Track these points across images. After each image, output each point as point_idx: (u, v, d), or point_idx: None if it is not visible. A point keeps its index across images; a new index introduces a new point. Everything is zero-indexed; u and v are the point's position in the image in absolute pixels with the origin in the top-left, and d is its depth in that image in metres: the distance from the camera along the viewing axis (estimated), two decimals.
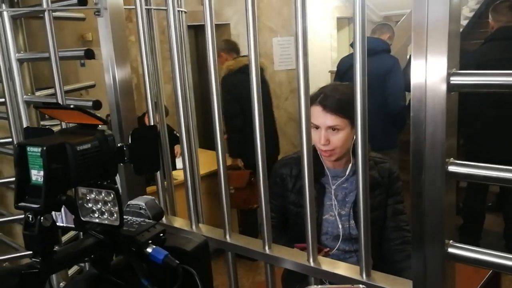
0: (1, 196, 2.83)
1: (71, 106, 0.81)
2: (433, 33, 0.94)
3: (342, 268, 1.30)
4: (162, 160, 1.81)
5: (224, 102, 4.31)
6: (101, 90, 1.70)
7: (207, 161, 3.44)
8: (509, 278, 3.14)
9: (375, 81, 3.62)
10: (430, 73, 0.96)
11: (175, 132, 3.13)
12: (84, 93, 4.02)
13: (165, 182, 1.81)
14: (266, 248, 1.42)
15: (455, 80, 0.95)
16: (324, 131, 1.70)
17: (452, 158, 1.00)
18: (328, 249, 1.77)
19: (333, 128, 1.70)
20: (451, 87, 0.95)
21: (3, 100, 2.00)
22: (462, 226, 4.09)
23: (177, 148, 3.28)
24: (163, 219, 1.72)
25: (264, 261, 1.44)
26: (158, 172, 1.73)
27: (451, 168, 0.99)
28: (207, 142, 4.61)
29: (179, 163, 3.28)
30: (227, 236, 1.52)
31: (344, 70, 3.99)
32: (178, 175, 2.64)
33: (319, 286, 1.25)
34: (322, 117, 1.70)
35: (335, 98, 1.70)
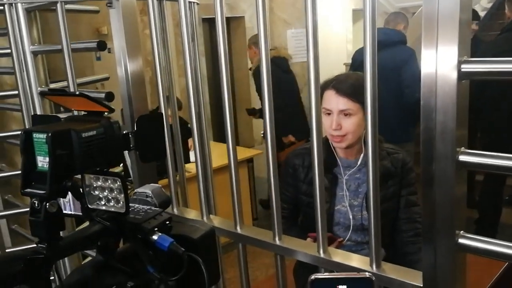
0: (16, 188, 2.86)
1: (76, 93, 0.81)
2: (444, 22, 0.93)
3: (352, 259, 1.29)
4: (174, 152, 1.81)
5: (259, 90, 4.42)
6: (117, 83, 1.72)
7: (223, 154, 3.44)
8: None
9: (391, 72, 3.57)
10: (440, 61, 0.95)
11: (188, 125, 3.14)
12: (99, 86, 4.06)
13: (177, 175, 1.81)
14: (277, 239, 1.41)
15: (466, 67, 0.94)
16: (336, 116, 1.70)
17: (463, 147, 0.99)
18: (341, 239, 1.76)
19: (345, 113, 1.69)
20: (462, 75, 0.94)
21: (17, 92, 2.02)
22: (478, 219, 4.05)
23: (190, 141, 3.30)
24: (174, 210, 1.73)
25: (275, 252, 1.43)
26: (170, 164, 1.73)
27: (462, 158, 0.98)
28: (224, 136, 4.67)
29: (192, 156, 3.30)
30: (238, 227, 1.52)
31: (358, 62, 3.94)
32: (191, 168, 2.65)
33: (326, 273, 1.24)
34: (334, 100, 1.70)
35: (348, 83, 1.71)
